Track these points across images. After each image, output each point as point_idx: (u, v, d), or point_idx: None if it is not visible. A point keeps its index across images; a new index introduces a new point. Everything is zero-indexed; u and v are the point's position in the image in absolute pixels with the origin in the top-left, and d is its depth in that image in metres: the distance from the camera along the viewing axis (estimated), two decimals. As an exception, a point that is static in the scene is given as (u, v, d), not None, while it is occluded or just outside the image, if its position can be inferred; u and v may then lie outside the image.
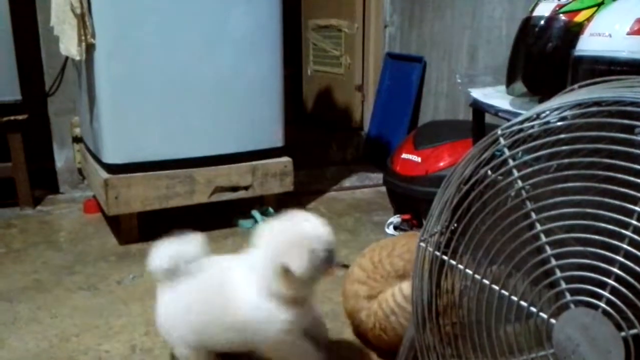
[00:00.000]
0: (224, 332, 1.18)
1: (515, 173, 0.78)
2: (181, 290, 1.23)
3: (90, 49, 1.97)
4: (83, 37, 1.94)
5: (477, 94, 1.56)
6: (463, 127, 2.22)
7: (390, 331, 1.36)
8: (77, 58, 1.98)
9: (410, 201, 2.25)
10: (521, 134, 0.80)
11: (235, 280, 1.18)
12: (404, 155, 2.33)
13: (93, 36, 1.94)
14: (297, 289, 1.12)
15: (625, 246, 0.67)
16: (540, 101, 1.16)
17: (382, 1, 3.29)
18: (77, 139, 2.63)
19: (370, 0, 3.33)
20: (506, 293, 0.79)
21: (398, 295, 1.35)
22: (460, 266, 0.86)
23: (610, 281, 0.68)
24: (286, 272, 1.09)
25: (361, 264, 1.45)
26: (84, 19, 1.91)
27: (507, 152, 0.80)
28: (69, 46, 2.00)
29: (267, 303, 1.13)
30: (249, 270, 1.16)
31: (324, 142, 3.39)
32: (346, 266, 1.72)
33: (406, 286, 1.34)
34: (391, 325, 1.35)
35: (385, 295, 1.37)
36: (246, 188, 2.26)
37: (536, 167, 0.77)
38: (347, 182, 2.96)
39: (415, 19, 3.06)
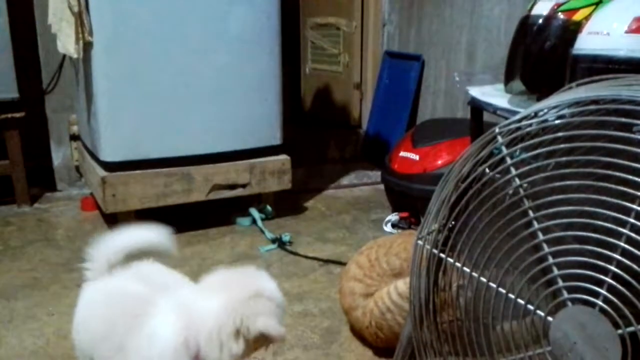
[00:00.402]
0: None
1: (513, 171, 0.78)
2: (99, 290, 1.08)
3: (87, 46, 1.96)
4: (80, 35, 1.93)
5: (476, 92, 1.56)
6: (461, 125, 2.22)
7: (386, 329, 1.36)
8: (75, 56, 1.98)
9: (408, 199, 2.25)
10: (519, 132, 0.80)
11: (160, 313, 0.98)
12: (402, 153, 2.34)
13: (90, 34, 1.93)
14: (244, 355, 0.95)
15: (622, 244, 0.67)
16: (539, 99, 1.16)
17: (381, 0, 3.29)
18: (74, 137, 2.62)
19: (369, -1, 3.33)
20: (503, 291, 0.79)
21: (393, 293, 1.35)
22: (458, 264, 0.86)
23: (608, 279, 0.68)
24: (260, 337, 0.93)
25: (358, 261, 1.45)
26: (81, 17, 1.91)
27: (504, 150, 0.80)
28: (67, 44, 2.00)
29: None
30: (178, 310, 0.98)
31: (323, 140, 3.39)
32: (342, 263, 1.70)
33: (401, 284, 1.34)
34: (387, 323, 1.35)
35: (381, 293, 1.37)
36: (244, 186, 2.25)
37: (534, 165, 0.77)
38: (345, 180, 2.96)
39: (414, 17, 3.06)
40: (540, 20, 1.37)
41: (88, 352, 1.06)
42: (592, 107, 0.74)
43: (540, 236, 0.75)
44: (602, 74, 0.90)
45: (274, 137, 2.31)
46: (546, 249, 0.74)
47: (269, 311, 0.95)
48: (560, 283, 0.73)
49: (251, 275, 1.02)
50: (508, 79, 1.47)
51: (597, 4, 1.33)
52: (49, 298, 1.71)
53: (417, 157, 2.27)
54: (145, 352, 0.94)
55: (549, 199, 0.75)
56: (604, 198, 0.69)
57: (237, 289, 0.97)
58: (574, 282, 0.72)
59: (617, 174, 0.68)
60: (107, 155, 2.05)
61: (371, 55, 3.40)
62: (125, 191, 2.04)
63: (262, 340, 0.94)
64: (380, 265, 1.40)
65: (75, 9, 1.89)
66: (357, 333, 1.48)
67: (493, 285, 0.81)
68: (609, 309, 0.68)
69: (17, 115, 2.38)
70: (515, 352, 0.80)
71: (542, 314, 0.75)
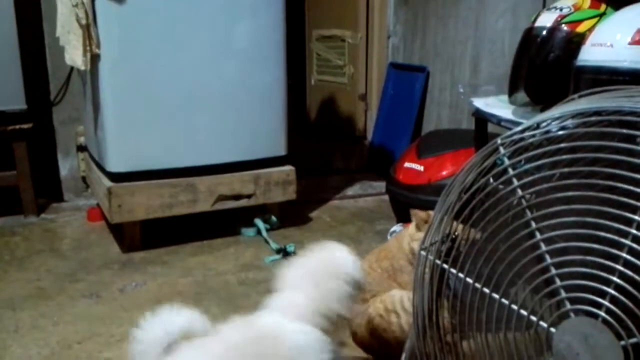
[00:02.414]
0: None
1: (515, 182, 0.79)
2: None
3: (95, 59, 1.98)
4: (88, 48, 1.95)
5: (480, 103, 1.57)
6: (466, 136, 2.22)
7: (381, 332, 1.37)
8: (82, 68, 2.00)
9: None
10: (522, 143, 0.80)
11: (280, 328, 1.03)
12: (407, 164, 2.34)
13: (98, 46, 1.95)
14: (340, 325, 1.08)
15: (624, 255, 0.67)
16: (543, 111, 1.16)
17: (386, 11, 3.30)
18: (81, 148, 2.64)
19: (374, 11, 3.35)
20: (506, 302, 0.79)
21: (406, 300, 1.36)
22: (461, 275, 0.86)
23: (610, 290, 0.68)
24: (337, 317, 1.05)
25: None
26: (89, 30, 1.93)
27: (507, 161, 0.80)
28: (74, 56, 2.02)
29: (315, 332, 1.03)
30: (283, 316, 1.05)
31: (328, 151, 3.40)
32: None
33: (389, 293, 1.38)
34: (381, 327, 1.36)
35: (383, 296, 1.39)
36: (249, 196, 2.26)
37: (536, 176, 0.77)
38: (350, 191, 2.96)
39: (419, 29, 3.07)
40: (544, 32, 1.38)
41: None
42: (595, 118, 0.74)
43: (543, 247, 0.75)
44: (605, 85, 0.90)
45: (279, 147, 2.32)
46: (549, 259, 0.74)
47: (344, 295, 1.04)
48: (563, 294, 0.73)
49: (331, 257, 1.09)
50: (512, 91, 1.48)
51: (600, 16, 1.34)
52: (54, 308, 1.71)
53: (421, 168, 2.27)
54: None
55: (552, 209, 0.75)
56: (606, 209, 0.69)
57: (320, 278, 1.06)
58: (576, 293, 0.72)
59: (620, 185, 0.68)
60: (113, 166, 2.06)
61: (376, 66, 3.41)
62: (131, 202, 2.05)
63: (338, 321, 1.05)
64: (375, 271, 1.43)
65: (83, 22, 1.92)
66: (360, 342, 1.48)
67: (496, 296, 0.81)
68: (611, 320, 0.68)
69: (25, 126, 2.41)
70: (519, 364, 0.79)
71: (545, 324, 0.75)
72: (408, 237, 1.41)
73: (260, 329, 1.02)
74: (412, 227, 1.43)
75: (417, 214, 1.40)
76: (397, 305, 1.36)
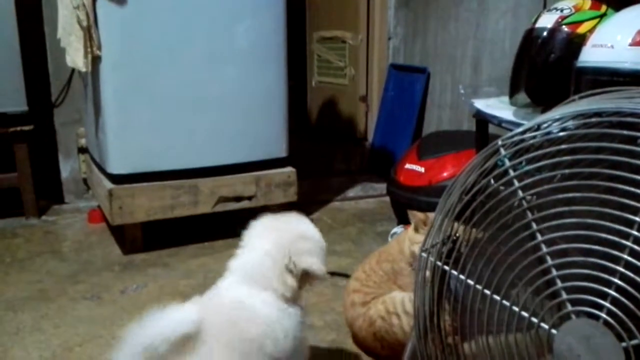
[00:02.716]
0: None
1: (516, 183, 0.79)
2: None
3: (96, 61, 1.99)
4: (89, 49, 1.96)
5: (481, 104, 1.57)
6: (466, 137, 2.22)
7: (383, 334, 1.37)
8: (83, 70, 2.00)
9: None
10: (522, 144, 0.80)
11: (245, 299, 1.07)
12: (408, 166, 2.34)
13: (99, 48, 1.96)
14: (302, 289, 1.12)
15: (625, 256, 0.66)
16: (543, 112, 1.16)
17: (386, 13, 3.31)
18: (82, 150, 2.64)
19: (375, 12, 3.35)
20: (507, 303, 0.79)
21: (407, 301, 1.37)
22: (462, 276, 0.86)
23: (611, 291, 0.68)
24: (304, 274, 1.09)
25: (356, 276, 1.50)
26: (90, 32, 1.93)
27: (507, 162, 0.80)
28: (75, 58, 2.02)
29: (281, 303, 1.08)
30: (245, 280, 1.09)
31: (328, 153, 3.40)
32: (347, 275, 1.74)
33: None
34: (383, 329, 1.37)
35: (384, 298, 1.40)
36: (250, 198, 2.26)
37: (537, 178, 0.77)
38: (351, 192, 2.96)
39: (419, 30, 3.07)
40: (545, 33, 1.38)
41: None
42: (595, 119, 0.74)
43: (544, 248, 0.75)
44: (606, 86, 0.90)
45: (280, 149, 2.32)
46: (550, 261, 0.74)
47: (313, 251, 1.10)
48: (564, 295, 0.73)
49: (295, 220, 1.15)
50: (513, 92, 1.48)
51: (601, 17, 1.33)
52: (55, 310, 1.71)
53: (422, 170, 2.27)
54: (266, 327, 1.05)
55: (553, 211, 0.75)
56: (607, 210, 0.69)
57: (284, 231, 1.11)
58: (577, 295, 0.72)
59: (621, 186, 0.68)
60: (114, 168, 2.06)
61: (377, 68, 3.42)
62: (132, 203, 2.05)
63: (307, 277, 1.10)
64: (376, 273, 1.44)
65: (84, 24, 1.92)
66: (362, 344, 1.47)
67: (497, 297, 0.81)
68: (612, 321, 0.68)
69: (26, 128, 2.41)
70: (520, 365, 0.79)
71: (546, 326, 0.75)
72: (408, 240, 1.41)
73: (232, 304, 1.07)
74: (411, 229, 1.43)
75: (416, 215, 1.40)
76: (398, 307, 1.36)
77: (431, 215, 1.39)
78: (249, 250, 1.13)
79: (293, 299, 1.10)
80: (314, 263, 1.08)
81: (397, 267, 1.42)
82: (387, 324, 1.36)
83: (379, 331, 1.38)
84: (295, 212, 1.17)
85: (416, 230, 1.40)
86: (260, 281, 1.07)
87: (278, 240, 1.09)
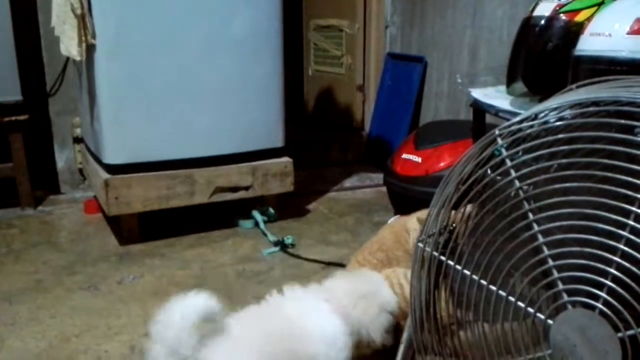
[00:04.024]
0: None
1: (513, 173, 0.78)
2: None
3: (90, 49, 1.97)
4: (83, 38, 1.94)
5: (478, 94, 1.56)
6: (464, 127, 2.22)
7: None
8: (78, 58, 1.98)
9: (410, 201, 2.25)
10: (519, 134, 0.80)
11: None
12: (405, 156, 2.33)
13: (93, 37, 1.94)
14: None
15: (622, 247, 0.66)
16: (541, 101, 1.16)
17: (383, 1, 3.28)
18: (77, 140, 2.63)
19: (372, 1, 3.33)
20: (504, 294, 0.79)
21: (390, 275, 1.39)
22: (458, 267, 0.86)
23: (607, 282, 0.67)
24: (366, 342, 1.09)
25: (352, 268, 1.52)
26: (84, 20, 1.91)
27: (504, 152, 0.80)
28: (70, 47, 2.01)
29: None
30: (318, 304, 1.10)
31: (325, 142, 3.39)
32: (343, 265, 1.75)
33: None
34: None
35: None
36: (246, 188, 2.25)
37: (534, 167, 0.77)
38: (347, 183, 2.96)
39: (417, 19, 3.05)
40: (543, 22, 1.37)
41: None
42: (593, 108, 0.74)
43: (540, 238, 0.75)
44: (604, 75, 0.89)
45: (277, 139, 2.32)
46: (546, 251, 0.74)
47: (387, 324, 1.09)
48: (560, 286, 0.73)
49: (375, 289, 1.13)
50: (510, 81, 1.47)
51: (599, 5, 1.32)
52: (51, 301, 1.71)
53: (419, 160, 2.26)
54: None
55: (549, 201, 0.75)
56: (604, 200, 0.69)
57: (365, 306, 1.09)
58: (574, 285, 0.71)
59: (618, 176, 0.68)
60: (110, 158, 2.05)
61: (374, 57, 3.40)
62: (128, 194, 2.05)
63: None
64: (370, 262, 1.45)
65: (78, 12, 1.90)
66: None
67: (493, 287, 0.80)
68: (609, 312, 0.67)
69: (21, 117, 2.39)
70: (516, 355, 0.79)
71: (542, 317, 0.75)
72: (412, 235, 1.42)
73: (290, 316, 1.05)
74: (391, 229, 1.45)
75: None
76: (401, 277, 1.39)
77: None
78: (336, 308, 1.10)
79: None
80: (387, 339, 1.10)
81: (392, 255, 1.43)
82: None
83: None
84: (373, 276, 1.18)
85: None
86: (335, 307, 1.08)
87: (360, 316, 1.08)
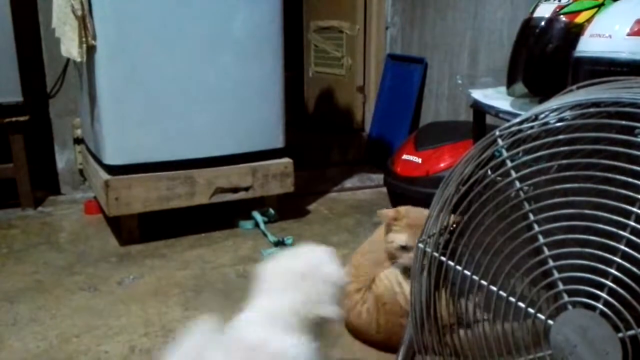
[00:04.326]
0: None
1: (513, 174, 0.78)
2: None
3: (91, 50, 1.97)
4: (84, 39, 1.94)
5: (478, 95, 1.56)
6: (464, 128, 2.22)
7: (391, 305, 1.40)
8: (78, 60, 1.98)
9: (411, 202, 2.24)
10: (520, 135, 0.80)
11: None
12: (405, 156, 2.33)
13: (94, 38, 1.94)
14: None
15: (622, 247, 0.66)
16: (541, 102, 1.16)
17: (384, 3, 3.29)
18: (78, 140, 2.63)
19: (372, 2, 3.33)
20: (504, 294, 0.79)
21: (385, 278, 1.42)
22: (459, 267, 0.86)
23: (608, 282, 0.68)
24: (321, 321, 1.00)
25: (347, 272, 1.53)
26: (84, 21, 1.92)
27: (505, 153, 0.80)
28: (70, 48, 2.01)
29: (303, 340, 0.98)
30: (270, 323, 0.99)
31: (325, 143, 3.39)
32: None
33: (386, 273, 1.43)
34: (390, 298, 1.40)
35: (375, 282, 1.44)
36: (246, 189, 2.26)
37: (535, 168, 0.77)
38: (348, 183, 2.96)
39: (417, 20, 3.06)
40: (543, 23, 1.37)
41: None
42: (593, 109, 0.74)
43: (541, 239, 0.75)
44: (604, 76, 0.90)
45: (277, 140, 2.32)
46: (547, 252, 0.74)
47: (332, 295, 0.99)
48: (561, 286, 0.73)
49: (317, 257, 1.04)
50: (510, 82, 1.47)
51: (599, 7, 1.33)
52: (52, 301, 1.71)
53: (419, 160, 2.27)
54: None
55: (550, 201, 0.75)
56: (604, 201, 0.69)
57: (304, 280, 0.99)
58: (574, 285, 0.72)
59: (618, 176, 0.68)
60: (110, 159, 2.05)
61: (374, 58, 3.40)
62: (128, 194, 2.05)
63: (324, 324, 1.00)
64: (363, 265, 1.48)
65: (79, 13, 1.90)
66: (359, 335, 1.48)
67: (494, 288, 0.80)
68: (609, 312, 0.68)
69: (22, 118, 2.39)
70: (517, 355, 0.79)
71: (543, 317, 0.75)
72: (385, 241, 1.43)
73: (248, 345, 0.94)
74: (382, 231, 1.45)
75: (383, 214, 1.41)
76: (399, 276, 1.41)
77: (402, 208, 1.42)
78: (268, 298, 1.01)
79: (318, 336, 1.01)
80: (333, 311, 0.99)
81: (382, 256, 1.44)
82: (392, 292, 1.40)
83: (387, 303, 1.40)
84: (312, 246, 1.08)
85: (388, 229, 1.40)
86: (278, 322, 0.97)
87: (298, 294, 0.98)
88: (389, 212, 1.40)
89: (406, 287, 1.38)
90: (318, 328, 0.99)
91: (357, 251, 1.55)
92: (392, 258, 1.41)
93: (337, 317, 0.99)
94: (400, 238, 1.38)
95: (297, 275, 1.00)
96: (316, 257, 1.04)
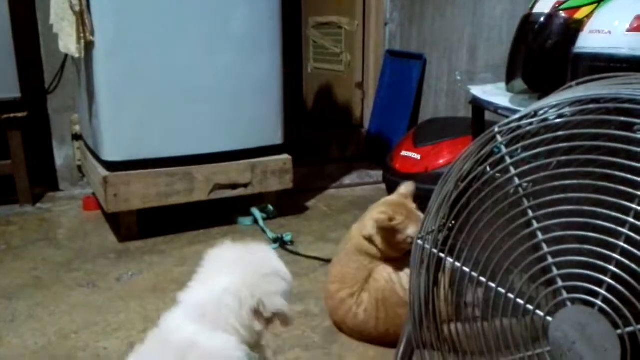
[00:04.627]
0: None
1: (512, 170, 0.78)
2: None
3: (89, 46, 1.97)
4: (82, 35, 1.93)
5: (477, 91, 1.55)
6: (463, 124, 2.22)
7: (392, 300, 1.42)
8: (76, 55, 1.98)
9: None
10: (519, 131, 0.80)
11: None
12: (404, 153, 2.33)
13: (92, 34, 1.93)
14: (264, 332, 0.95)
15: (621, 244, 0.66)
16: (540, 98, 1.16)
17: (383, -2, 3.28)
18: (76, 137, 2.63)
19: (371, -2, 3.33)
20: (503, 290, 0.79)
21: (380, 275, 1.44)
22: (458, 263, 0.86)
23: (607, 279, 0.67)
24: (271, 318, 0.93)
25: (330, 271, 1.57)
26: (82, 17, 1.91)
27: (504, 149, 0.80)
28: (68, 44, 2.00)
29: (243, 348, 0.91)
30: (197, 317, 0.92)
31: (324, 140, 3.39)
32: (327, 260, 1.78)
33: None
34: (391, 292, 1.42)
35: (374, 279, 1.45)
36: (245, 185, 2.25)
37: (534, 165, 0.77)
38: (347, 180, 2.96)
39: (416, 16, 3.05)
40: (542, 19, 1.36)
41: None
42: (592, 106, 0.74)
43: (540, 235, 0.75)
44: (603, 72, 0.89)
45: (276, 136, 2.31)
46: (545, 248, 0.74)
47: (283, 291, 0.94)
48: (560, 283, 0.73)
49: (262, 252, 1.00)
50: (510, 78, 1.47)
51: (598, 3, 1.32)
52: (50, 298, 1.71)
53: (418, 157, 2.27)
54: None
55: (549, 198, 0.75)
56: (603, 197, 0.69)
57: (252, 266, 0.94)
58: (573, 282, 0.71)
59: (617, 173, 0.68)
60: (108, 155, 2.05)
61: (373, 54, 3.40)
62: (127, 191, 2.04)
63: (272, 321, 0.93)
64: (349, 272, 1.49)
65: (77, 9, 1.90)
66: (356, 335, 1.48)
67: (492, 284, 0.80)
68: (608, 309, 0.67)
69: (20, 115, 2.39)
70: (515, 352, 0.79)
71: (542, 314, 0.75)
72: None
73: (182, 346, 0.89)
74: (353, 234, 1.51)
75: (380, 220, 1.42)
76: (390, 271, 1.44)
77: (386, 208, 1.44)
78: (206, 285, 0.95)
79: (255, 343, 0.94)
80: (286, 305, 0.92)
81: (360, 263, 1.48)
82: (390, 284, 1.42)
83: (387, 299, 1.41)
84: (259, 243, 1.03)
85: (396, 231, 1.42)
86: (218, 322, 0.90)
87: (245, 277, 0.92)
88: (383, 218, 1.40)
89: (397, 278, 1.42)
90: (261, 323, 0.92)
91: (334, 263, 1.55)
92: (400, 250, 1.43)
93: (291, 315, 0.93)
94: (412, 231, 1.39)
95: (242, 263, 0.95)
96: (259, 249, 1.00)
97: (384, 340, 1.43)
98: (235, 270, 0.94)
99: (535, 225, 0.75)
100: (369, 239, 1.45)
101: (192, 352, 0.87)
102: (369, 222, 1.46)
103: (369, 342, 1.46)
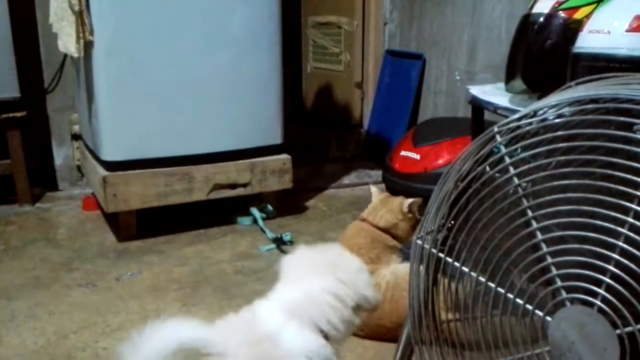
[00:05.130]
0: None
1: (512, 170, 0.78)
2: None
3: (88, 46, 1.97)
4: (81, 35, 1.93)
5: (476, 91, 1.56)
6: (462, 124, 2.22)
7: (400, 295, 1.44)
8: (76, 55, 1.98)
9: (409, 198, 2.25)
10: (518, 131, 0.80)
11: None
12: (403, 153, 2.33)
13: (91, 33, 1.93)
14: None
15: (621, 244, 0.66)
16: (540, 98, 1.16)
17: (382, -2, 3.28)
18: (76, 137, 2.62)
19: (370, -3, 3.32)
20: (502, 290, 0.79)
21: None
22: (457, 263, 0.86)
23: (606, 279, 0.67)
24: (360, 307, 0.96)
25: None
26: (82, 16, 1.91)
27: (503, 149, 0.80)
28: (67, 43, 2.00)
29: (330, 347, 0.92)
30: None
31: (324, 139, 3.39)
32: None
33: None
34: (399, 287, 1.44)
35: (378, 277, 1.47)
36: (245, 185, 2.25)
37: (533, 165, 0.77)
38: (346, 180, 2.96)
39: (415, 16, 3.05)
40: (541, 19, 1.36)
41: None
42: (592, 105, 0.74)
43: (539, 235, 0.75)
44: (602, 72, 0.89)
45: (275, 136, 2.31)
46: (545, 248, 0.74)
47: (369, 281, 0.99)
48: (559, 283, 0.73)
49: (339, 252, 1.04)
50: (509, 78, 1.47)
51: (598, 3, 1.32)
52: (50, 297, 1.71)
53: (418, 157, 2.27)
54: None
55: (548, 198, 0.75)
56: (603, 197, 0.69)
57: (341, 265, 0.97)
58: (572, 282, 0.71)
59: (617, 173, 0.68)
60: (108, 155, 2.05)
61: (372, 54, 3.40)
62: (126, 191, 2.04)
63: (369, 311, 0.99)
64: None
65: (76, 8, 1.89)
66: (377, 320, 1.48)
67: (492, 284, 0.80)
68: (607, 309, 0.68)
69: (19, 114, 2.39)
70: (515, 352, 0.79)
71: (541, 313, 0.75)
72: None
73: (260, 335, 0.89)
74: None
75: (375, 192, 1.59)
76: (384, 272, 1.47)
77: (378, 194, 1.60)
78: (298, 287, 0.95)
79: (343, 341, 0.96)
80: (373, 293, 0.98)
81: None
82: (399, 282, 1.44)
83: (394, 295, 1.43)
84: (328, 243, 1.08)
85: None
86: (316, 321, 0.91)
87: (340, 276, 0.94)
88: (418, 200, 1.52)
89: (396, 277, 1.47)
90: (353, 314, 0.94)
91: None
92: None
93: (376, 300, 0.99)
94: (408, 201, 1.54)
95: (327, 263, 0.98)
96: (336, 248, 1.06)
97: (388, 328, 1.43)
98: (324, 271, 0.96)
99: (535, 225, 0.75)
100: (388, 229, 1.53)
101: (285, 349, 0.88)
102: (386, 214, 1.47)
103: (367, 339, 1.46)
